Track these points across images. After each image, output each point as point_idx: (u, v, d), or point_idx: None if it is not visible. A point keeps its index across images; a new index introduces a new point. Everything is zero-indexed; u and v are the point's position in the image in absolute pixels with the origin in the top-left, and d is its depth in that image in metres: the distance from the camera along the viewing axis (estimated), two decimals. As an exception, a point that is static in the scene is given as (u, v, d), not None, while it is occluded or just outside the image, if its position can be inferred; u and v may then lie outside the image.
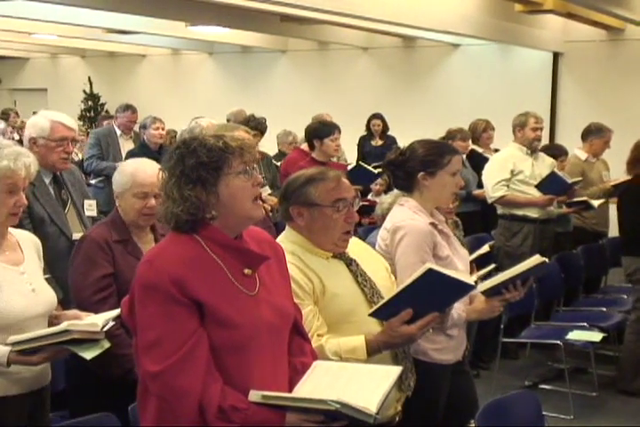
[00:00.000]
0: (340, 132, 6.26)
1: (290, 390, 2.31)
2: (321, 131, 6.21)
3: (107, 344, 2.81)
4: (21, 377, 2.86)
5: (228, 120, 8.25)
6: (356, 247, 2.99)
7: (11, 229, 3.03)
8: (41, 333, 2.76)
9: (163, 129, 7.87)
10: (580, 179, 6.74)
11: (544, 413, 3.42)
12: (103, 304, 3.22)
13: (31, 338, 2.74)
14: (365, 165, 6.93)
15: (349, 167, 7.22)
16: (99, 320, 2.80)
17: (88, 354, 2.75)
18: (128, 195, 3.39)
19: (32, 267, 3.00)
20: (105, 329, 2.78)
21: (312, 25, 10.84)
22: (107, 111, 13.98)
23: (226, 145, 2.27)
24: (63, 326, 2.77)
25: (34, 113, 4.24)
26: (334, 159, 6.90)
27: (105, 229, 3.41)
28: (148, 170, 3.41)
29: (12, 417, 2.87)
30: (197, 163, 2.24)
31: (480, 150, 7.71)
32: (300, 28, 10.94)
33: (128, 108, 8.38)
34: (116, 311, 2.91)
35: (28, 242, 3.08)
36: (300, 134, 7.97)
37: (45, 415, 3.06)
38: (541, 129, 6.52)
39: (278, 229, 3.59)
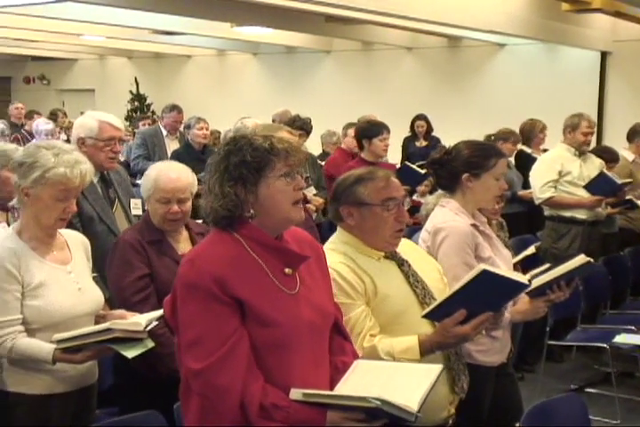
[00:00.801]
0: (388, 132, 6.23)
1: (331, 389, 2.31)
2: (370, 131, 6.21)
3: (150, 344, 2.83)
4: (67, 375, 2.90)
5: (273, 120, 8.28)
6: (407, 248, 2.98)
7: (60, 229, 3.07)
8: (84, 331, 2.79)
9: (207, 129, 7.92)
10: (630, 180, 6.64)
11: (590, 417, 3.37)
12: (144, 305, 3.24)
13: (75, 336, 2.77)
14: (413, 166, 6.91)
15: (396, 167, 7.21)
16: (142, 320, 2.82)
17: (130, 353, 2.77)
18: (152, 200, 3.40)
19: (79, 266, 3.04)
20: (148, 329, 2.80)
21: (356, 25, 10.83)
22: (152, 112, 14.11)
23: (272, 146, 2.28)
24: (106, 324, 2.80)
25: (81, 113, 4.30)
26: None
27: (136, 232, 3.43)
28: (171, 175, 3.41)
29: (56, 415, 2.92)
30: (241, 161, 2.26)
31: (528, 151, 7.62)
32: (345, 28, 10.93)
33: (174, 108, 8.45)
34: (160, 311, 2.93)
35: (76, 242, 3.11)
36: (344, 134, 7.98)
37: (91, 413, 3.10)
38: (592, 133, 6.44)
39: (320, 231, 3.62)
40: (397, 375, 2.32)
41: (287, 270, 2.32)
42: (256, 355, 2.21)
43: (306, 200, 2.84)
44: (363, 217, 2.83)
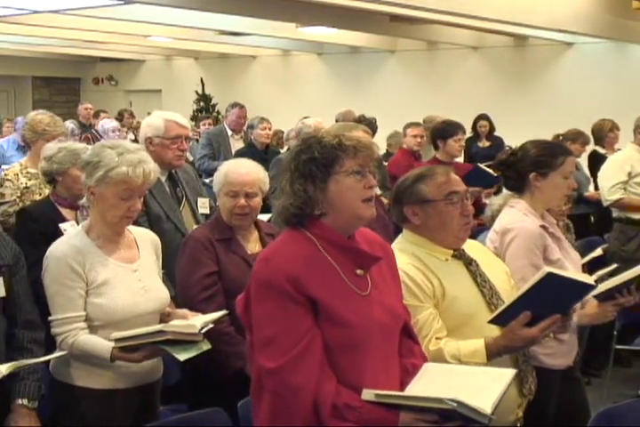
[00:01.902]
0: (464, 132, 6.18)
1: (401, 391, 2.29)
2: (445, 131, 6.16)
3: (206, 346, 2.83)
4: (130, 372, 2.94)
5: (336, 120, 8.30)
6: (474, 249, 2.96)
7: (130, 227, 3.11)
8: (140, 331, 2.82)
9: (270, 129, 7.98)
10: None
11: (659, 424, 3.30)
12: (210, 303, 3.27)
13: (131, 336, 2.80)
14: (485, 167, 6.84)
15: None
16: (198, 322, 2.82)
17: (183, 355, 2.77)
18: (221, 194, 3.45)
19: (146, 265, 3.07)
20: (203, 331, 2.80)
21: (422, 25, 10.76)
22: (217, 112, 14.23)
23: (340, 143, 2.29)
24: (159, 326, 2.83)
25: (148, 114, 4.36)
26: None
27: (207, 230, 3.46)
28: (240, 169, 3.46)
29: (120, 410, 2.96)
30: (310, 158, 2.28)
31: (602, 151, 7.48)
32: (410, 27, 10.88)
33: (236, 105, 8.63)
34: (219, 313, 2.95)
35: (145, 240, 3.14)
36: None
37: (154, 410, 3.13)
38: (664, 134, 6.29)
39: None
40: (469, 378, 2.31)
41: (359, 271, 2.32)
42: (328, 355, 2.22)
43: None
44: (428, 215, 2.81)
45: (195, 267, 3.36)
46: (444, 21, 9.96)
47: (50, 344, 3.00)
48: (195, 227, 4.04)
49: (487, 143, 10.12)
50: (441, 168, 2.91)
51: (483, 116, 10.21)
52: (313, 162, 2.27)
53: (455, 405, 2.05)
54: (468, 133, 10.22)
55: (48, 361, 2.92)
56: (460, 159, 9.77)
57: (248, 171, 3.49)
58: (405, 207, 2.85)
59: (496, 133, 10.23)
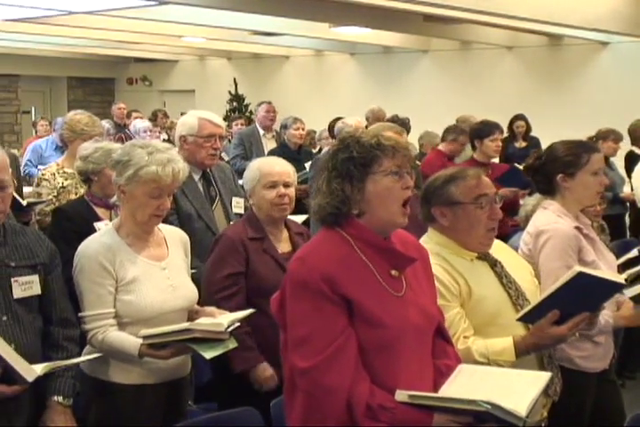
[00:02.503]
0: (501, 132, 6.11)
1: (435, 393, 2.28)
2: (481, 131, 6.11)
3: (232, 345, 2.84)
4: (158, 367, 2.97)
5: (366, 118, 8.29)
6: (499, 249, 2.95)
7: (160, 225, 3.14)
8: (167, 329, 2.84)
9: (303, 129, 7.99)
10: None
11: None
12: (226, 302, 3.27)
13: (159, 333, 2.83)
14: (521, 168, 6.78)
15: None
16: (225, 320, 2.84)
17: (209, 354, 2.78)
18: (258, 188, 3.45)
19: (175, 263, 3.09)
20: (230, 329, 2.82)
21: (455, 24, 10.71)
22: (250, 112, 14.27)
23: (378, 143, 2.29)
24: (186, 324, 2.85)
25: (181, 114, 4.38)
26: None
27: (241, 227, 3.48)
28: (272, 162, 3.54)
29: (148, 405, 2.99)
30: (348, 157, 2.28)
31: (639, 152, 7.39)
32: (443, 27, 10.83)
33: (262, 102, 8.79)
34: (246, 312, 2.96)
35: (175, 238, 3.17)
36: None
37: (182, 405, 3.16)
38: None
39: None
40: (504, 381, 2.29)
41: (394, 272, 2.32)
42: (362, 356, 2.21)
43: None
44: (456, 217, 2.81)
45: (219, 266, 3.39)
46: (478, 21, 9.90)
47: (84, 342, 3.04)
48: (226, 226, 4.06)
49: (524, 144, 9.98)
50: (472, 170, 2.91)
51: (519, 117, 10.06)
52: (351, 161, 2.27)
53: (489, 407, 2.03)
54: (505, 134, 10.15)
55: None
56: (496, 160, 9.70)
57: (279, 162, 3.58)
58: (434, 208, 2.85)
59: (533, 134, 10.11)
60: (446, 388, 2.28)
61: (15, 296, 2.71)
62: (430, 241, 2.85)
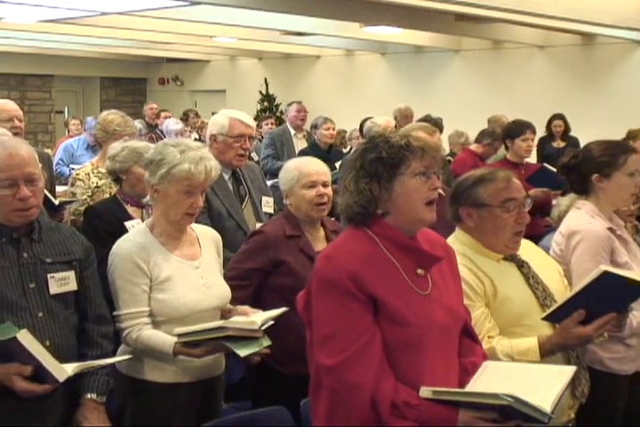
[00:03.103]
0: (533, 132, 6.00)
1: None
2: (512, 131, 6.03)
3: (266, 342, 2.84)
4: (193, 366, 2.98)
5: (395, 117, 8.27)
6: (527, 250, 2.93)
7: (193, 225, 3.16)
8: (202, 327, 2.85)
9: (333, 129, 8.02)
10: None
11: None
12: (234, 291, 3.24)
13: (193, 331, 2.84)
14: (552, 168, 6.72)
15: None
16: (259, 318, 2.84)
17: (243, 352, 2.79)
18: (297, 188, 3.45)
19: (208, 262, 3.11)
20: (264, 328, 2.83)
21: (487, 23, 10.66)
22: (281, 112, 14.30)
23: (408, 144, 2.29)
24: (220, 322, 2.86)
25: (212, 114, 4.40)
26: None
27: (279, 225, 3.48)
28: (310, 162, 3.54)
29: (183, 403, 3.01)
30: (376, 157, 2.28)
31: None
32: (475, 26, 10.78)
33: (293, 102, 8.85)
34: (280, 310, 2.96)
35: (207, 237, 3.19)
36: (472, 135, 7.86)
37: (216, 404, 3.17)
38: None
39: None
40: (528, 376, 2.28)
41: (420, 271, 2.31)
42: (387, 354, 2.21)
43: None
44: (482, 219, 2.80)
45: (245, 257, 3.43)
46: (510, 20, 9.84)
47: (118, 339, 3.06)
48: (257, 225, 4.07)
49: (562, 144, 9.81)
50: (503, 172, 2.89)
51: (558, 116, 9.85)
52: (379, 161, 2.28)
53: (511, 400, 2.02)
54: (542, 133, 10.02)
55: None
56: (533, 160, 9.60)
57: (316, 162, 3.59)
58: (461, 208, 2.85)
59: (571, 134, 9.96)
60: (471, 385, 2.27)
61: (51, 292, 2.73)
62: (457, 241, 2.84)
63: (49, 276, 2.73)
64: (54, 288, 2.73)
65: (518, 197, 2.82)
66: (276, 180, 8.02)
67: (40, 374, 2.53)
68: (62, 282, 2.76)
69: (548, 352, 2.67)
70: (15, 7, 9.70)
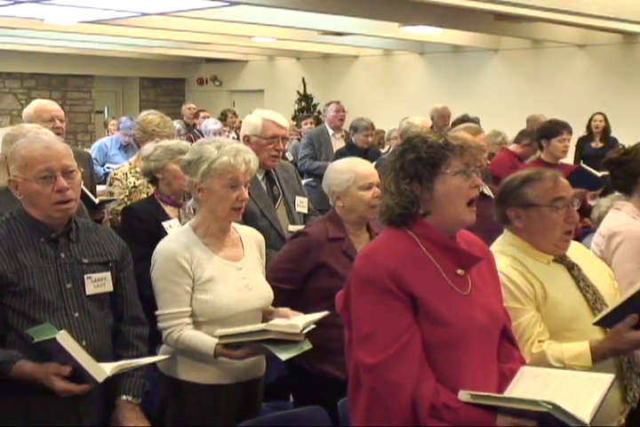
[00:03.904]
0: (570, 132, 5.93)
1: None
2: (548, 131, 5.96)
3: (307, 346, 2.83)
4: (234, 368, 2.98)
5: (431, 117, 8.25)
6: (577, 252, 2.90)
7: (236, 226, 3.16)
8: (243, 329, 2.85)
9: (372, 136, 8.16)
10: None
11: None
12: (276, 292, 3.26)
13: (235, 333, 2.84)
14: (589, 169, 6.65)
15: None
16: (300, 322, 2.84)
17: (284, 355, 2.78)
18: (353, 190, 3.41)
19: (250, 263, 3.11)
20: (305, 331, 2.81)
21: (526, 23, 10.58)
22: (319, 112, 14.32)
23: (446, 142, 2.29)
24: (262, 325, 2.85)
25: (250, 113, 4.40)
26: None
27: (323, 227, 3.46)
28: (362, 163, 3.51)
29: (223, 405, 3.00)
30: (416, 158, 2.27)
31: None
32: (514, 26, 10.71)
33: (332, 102, 8.93)
34: (321, 314, 2.95)
35: (250, 238, 3.19)
36: (511, 135, 7.80)
37: (257, 406, 3.17)
38: None
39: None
40: (566, 384, 2.25)
41: (459, 271, 2.31)
42: (427, 353, 2.21)
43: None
44: (531, 219, 2.77)
45: (288, 259, 3.42)
46: (550, 19, 9.76)
47: (155, 340, 3.08)
48: (290, 226, 4.08)
49: (600, 144, 9.68)
50: (550, 172, 2.86)
51: (599, 114, 9.70)
52: (419, 161, 2.27)
53: (551, 408, 2.00)
54: (582, 133, 9.89)
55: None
56: (570, 160, 9.50)
57: (367, 163, 3.57)
58: (509, 209, 2.82)
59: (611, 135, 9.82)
60: (509, 391, 2.25)
61: (87, 293, 2.74)
62: (505, 243, 2.82)
63: (85, 276, 2.75)
64: (90, 289, 2.75)
65: (567, 195, 2.79)
66: (310, 179, 8.08)
67: (79, 374, 2.54)
68: (98, 283, 2.78)
69: (599, 357, 2.62)
70: (57, 9, 9.84)
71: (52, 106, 5.15)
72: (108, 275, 2.81)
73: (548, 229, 2.76)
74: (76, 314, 2.71)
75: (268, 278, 3.24)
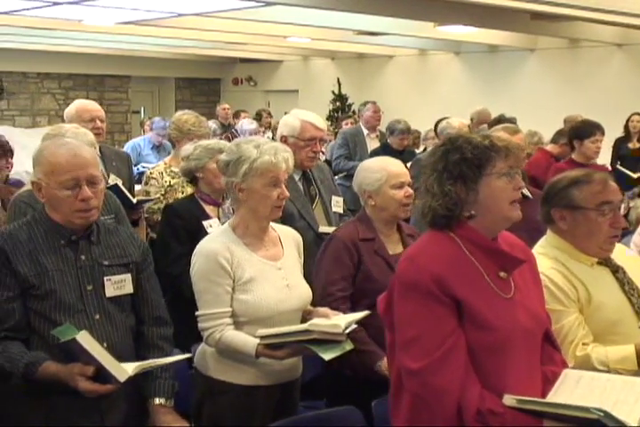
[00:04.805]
0: (602, 133, 5.90)
1: (542, 398, 2.24)
2: (581, 131, 5.94)
3: (349, 346, 2.82)
4: (272, 369, 2.98)
5: (471, 119, 8.21)
6: (621, 254, 2.86)
7: (274, 225, 3.17)
8: (286, 329, 2.85)
9: (407, 140, 8.15)
10: None
11: None
12: (343, 303, 3.28)
13: (277, 333, 2.84)
14: (624, 170, 6.59)
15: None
16: (342, 322, 2.83)
17: (327, 355, 2.77)
18: (385, 188, 3.40)
19: (290, 263, 3.11)
20: (347, 331, 2.81)
21: (563, 22, 10.49)
22: (353, 112, 14.30)
23: (492, 144, 2.27)
24: (305, 325, 2.85)
25: (285, 113, 4.42)
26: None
27: (353, 228, 3.46)
28: (394, 162, 3.51)
29: (260, 406, 3.01)
30: (461, 159, 2.25)
31: None
32: (551, 25, 10.61)
33: (367, 102, 8.89)
34: (362, 314, 2.95)
35: (289, 238, 3.19)
36: (547, 135, 7.74)
37: (294, 407, 3.16)
38: None
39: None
40: (612, 388, 2.22)
41: (502, 274, 2.29)
42: (471, 357, 2.19)
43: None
44: (576, 221, 2.74)
45: (336, 267, 3.37)
46: (587, 18, 9.65)
47: (191, 339, 3.09)
48: (326, 225, 4.08)
49: (638, 144, 9.52)
50: (599, 174, 2.82)
51: (636, 115, 9.54)
52: (464, 162, 2.25)
53: (602, 414, 1.97)
54: (620, 133, 9.76)
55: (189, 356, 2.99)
56: (607, 161, 9.37)
57: (398, 162, 3.56)
58: (553, 210, 2.79)
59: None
60: (552, 395, 2.23)
61: (108, 295, 2.74)
62: (547, 245, 2.80)
63: (105, 278, 2.74)
64: (110, 291, 2.74)
65: (614, 200, 2.76)
66: (341, 176, 8.09)
67: (102, 374, 2.54)
68: (119, 285, 2.77)
69: None
70: (94, 10, 9.93)
71: (93, 106, 5.19)
72: (128, 277, 2.80)
73: (592, 233, 2.72)
74: (97, 316, 2.71)
75: (329, 294, 3.27)
